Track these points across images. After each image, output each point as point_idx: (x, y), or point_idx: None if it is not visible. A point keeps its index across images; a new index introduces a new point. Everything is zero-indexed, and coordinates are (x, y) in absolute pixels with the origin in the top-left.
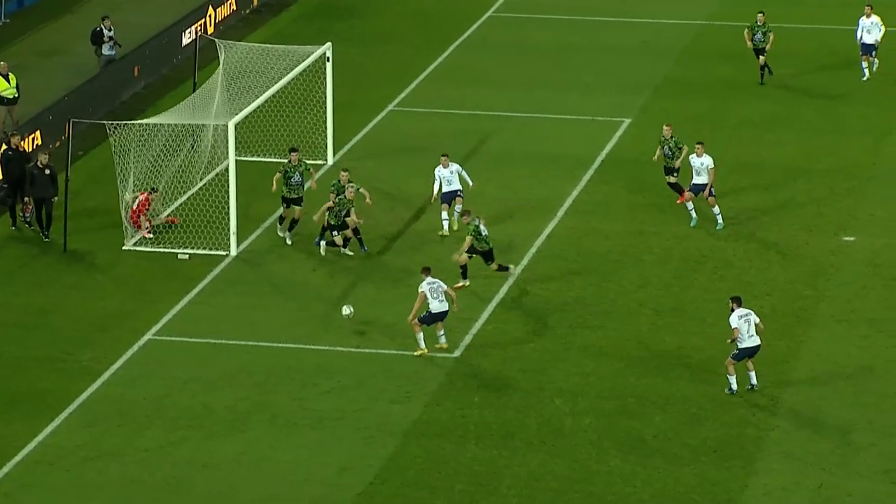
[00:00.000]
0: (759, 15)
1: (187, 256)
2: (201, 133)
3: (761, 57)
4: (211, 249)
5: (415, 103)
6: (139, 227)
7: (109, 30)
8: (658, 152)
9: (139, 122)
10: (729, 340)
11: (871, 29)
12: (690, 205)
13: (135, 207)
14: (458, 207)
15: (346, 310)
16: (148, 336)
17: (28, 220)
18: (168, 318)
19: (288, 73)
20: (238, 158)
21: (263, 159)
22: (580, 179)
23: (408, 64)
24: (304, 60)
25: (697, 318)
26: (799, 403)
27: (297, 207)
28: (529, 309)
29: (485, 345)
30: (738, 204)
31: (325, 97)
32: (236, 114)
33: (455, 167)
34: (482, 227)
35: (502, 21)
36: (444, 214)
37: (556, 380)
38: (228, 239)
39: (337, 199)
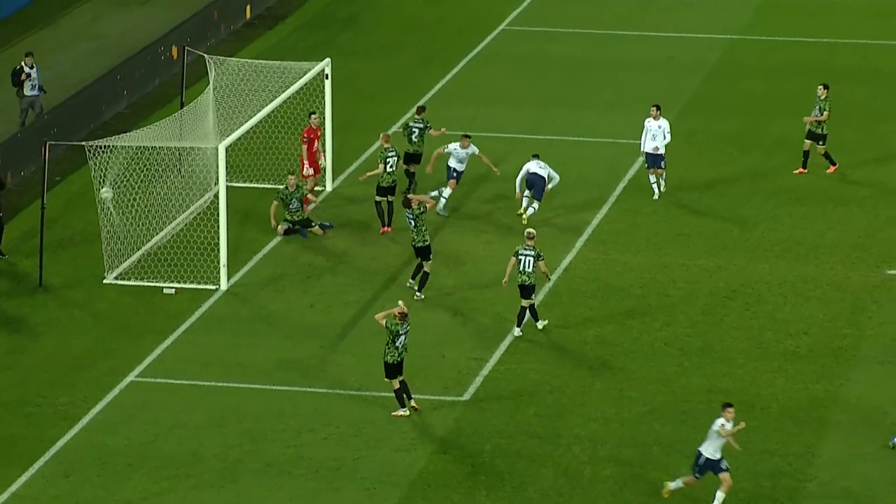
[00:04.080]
0: (820, 87)
1: (173, 291)
2: (189, 156)
3: (818, 145)
4: (199, 283)
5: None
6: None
7: (31, 67)
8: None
9: (122, 144)
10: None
11: (657, 134)
12: (653, 178)
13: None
14: (444, 191)
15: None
16: (130, 377)
17: None
18: (152, 358)
19: (284, 91)
20: (229, 184)
21: (257, 185)
22: (600, 207)
23: (414, 80)
24: (301, 77)
25: (727, 359)
26: (838, 453)
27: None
28: (545, 348)
29: (497, 387)
30: (773, 233)
31: (324, 117)
32: (227, 135)
33: (473, 149)
34: (416, 222)
35: (516, 35)
36: (444, 192)
37: (574, 426)
38: (218, 272)
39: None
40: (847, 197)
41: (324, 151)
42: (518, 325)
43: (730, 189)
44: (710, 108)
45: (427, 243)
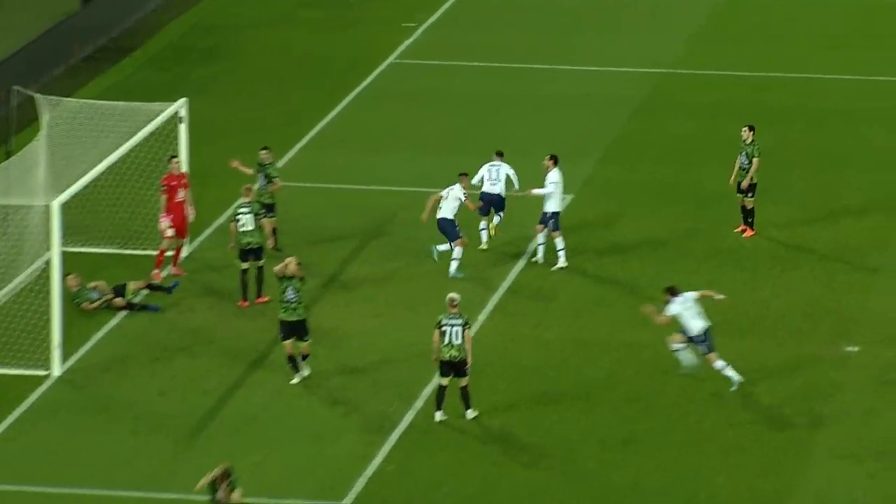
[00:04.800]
0: (745, 129)
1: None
2: (16, 216)
3: (746, 198)
4: (27, 368)
5: (294, 175)
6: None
7: None
8: None
9: None
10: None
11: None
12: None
13: None
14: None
15: None
16: None
17: None
18: None
19: (131, 136)
20: (65, 249)
21: (99, 249)
22: (508, 272)
23: (286, 123)
24: (151, 120)
25: (656, 452)
26: None
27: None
28: (441, 442)
29: (383, 490)
30: (710, 303)
31: (180, 168)
32: (63, 190)
33: (457, 192)
34: (292, 292)
35: (408, 69)
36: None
37: None
38: (50, 354)
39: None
40: (796, 259)
41: (192, 204)
42: (468, 408)
43: (658, 250)
44: (634, 153)
45: (303, 318)
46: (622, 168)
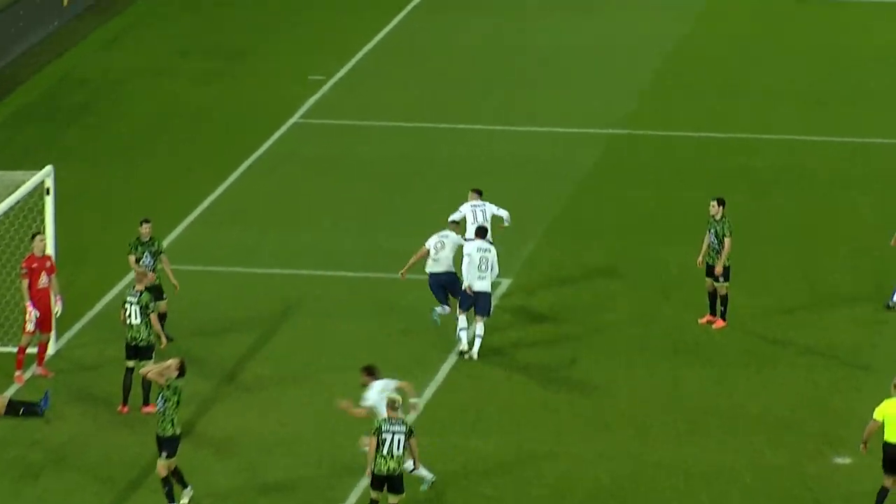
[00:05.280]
0: (713, 203)
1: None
2: None
3: (716, 283)
4: None
5: (182, 255)
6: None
7: None
8: None
9: None
10: None
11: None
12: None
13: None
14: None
15: None
16: None
17: None
18: None
19: None
20: None
21: None
22: (436, 371)
23: (172, 193)
24: (12, 192)
25: None
26: None
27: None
28: None
29: None
30: (675, 405)
31: (44, 249)
32: None
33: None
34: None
35: (315, 129)
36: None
37: None
38: None
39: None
40: (775, 355)
41: (59, 293)
42: None
43: (613, 344)
44: (584, 227)
45: (168, 435)
46: (569, 245)
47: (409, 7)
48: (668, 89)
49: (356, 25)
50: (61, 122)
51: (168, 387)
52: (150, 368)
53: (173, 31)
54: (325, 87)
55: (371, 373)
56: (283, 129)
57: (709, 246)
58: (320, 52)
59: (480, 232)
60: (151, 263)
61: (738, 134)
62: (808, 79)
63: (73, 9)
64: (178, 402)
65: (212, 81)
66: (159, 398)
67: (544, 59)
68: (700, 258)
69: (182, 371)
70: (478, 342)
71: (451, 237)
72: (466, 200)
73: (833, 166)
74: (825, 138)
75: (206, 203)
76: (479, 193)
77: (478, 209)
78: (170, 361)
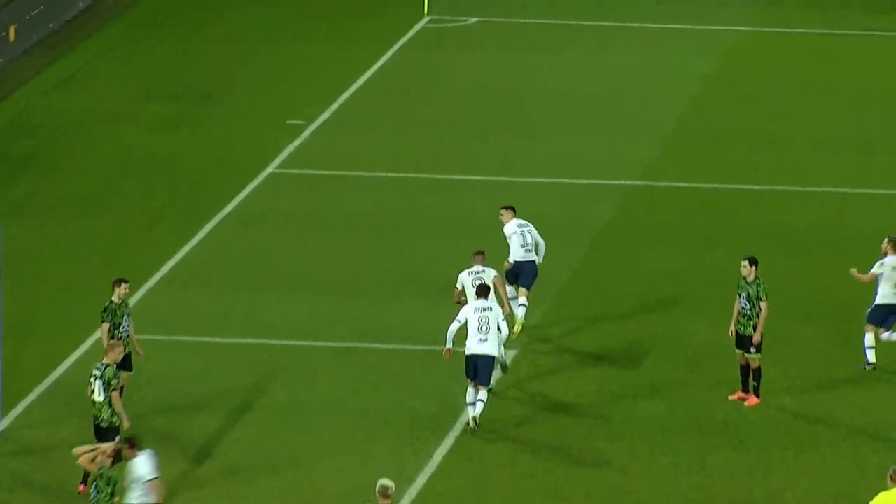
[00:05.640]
0: (744, 264)
1: None
2: None
3: (748, 354)
4: None
5: (141, 324)
6: None
7: None
8: None
9: None
10: None
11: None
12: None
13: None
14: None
15: None
16: None
17: None
18: None
19: None
20: None
21: None
22: (427, 461)
23: (132, 254)
24: None
25: None
26: None
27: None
28: None
29: None
30: (703, 493)
31: None
32: None
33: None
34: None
35: (293, 180)
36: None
37: None
38: None
39: None
40: (816, 436)
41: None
42: None
43: (632, 424)
44: (597, 292)
45: None
46: (582, 312)
47: (401, 42)
48: (692, 135)
49: (340, 63)
50: (6, 174)
51: (101, 476)
52: (82, 450)
53: (133, 70)
54: (306, 133)
55: (132, 445)
56: (258, 180)
57: (739, 312)
58: (300, 94)
59: (482, 291)
60: (127, 330)
61: (772, 186)
62: (851, 122)
63: (22, 44)
64: (111, 494)
65: (176, 127)
66: (92, 487)
67: (552, 102)
68: (731, 327)
69: (117, 458)
70: (479, 406)
71: (487, 272)
72: (466, 267)
73: (879, 223)
74: (871, 191)
75: (169, 264)
76: (482, 255)
77: (476, 277)
78: (104, 446)
